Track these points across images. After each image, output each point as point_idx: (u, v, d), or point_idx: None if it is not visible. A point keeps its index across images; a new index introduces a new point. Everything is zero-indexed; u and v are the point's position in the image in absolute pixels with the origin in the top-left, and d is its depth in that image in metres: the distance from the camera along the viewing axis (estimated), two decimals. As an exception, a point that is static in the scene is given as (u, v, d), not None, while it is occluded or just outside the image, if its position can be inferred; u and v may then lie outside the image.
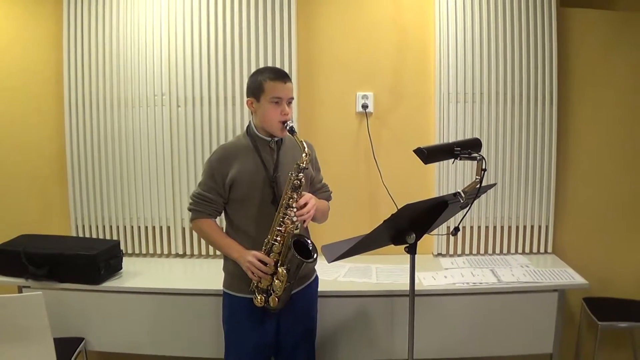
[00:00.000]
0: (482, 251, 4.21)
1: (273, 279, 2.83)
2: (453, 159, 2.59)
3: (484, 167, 2.49)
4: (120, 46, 4.08)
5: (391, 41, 4.10)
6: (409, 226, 2.56)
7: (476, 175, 2.51)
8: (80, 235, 4.25)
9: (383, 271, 3.82)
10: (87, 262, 3.56)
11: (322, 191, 3.20)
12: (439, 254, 4.19)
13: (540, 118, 4.07)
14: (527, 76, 4.05)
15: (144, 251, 4.27)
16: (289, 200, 2.80)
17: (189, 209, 3.03)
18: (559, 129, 4.10)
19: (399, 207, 2.44)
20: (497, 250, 4.21)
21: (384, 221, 2.44)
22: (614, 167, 4.21)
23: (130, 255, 4.25)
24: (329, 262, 2.73)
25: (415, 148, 2.51)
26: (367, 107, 4.09)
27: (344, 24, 4.10)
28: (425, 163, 2.54)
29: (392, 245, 2.68)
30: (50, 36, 4.17)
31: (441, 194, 3.99)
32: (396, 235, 2.59)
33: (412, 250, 2.61)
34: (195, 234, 4.18)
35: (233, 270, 2.97)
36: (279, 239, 2.82)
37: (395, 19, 4.08)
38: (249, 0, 4.00)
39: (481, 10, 4.00)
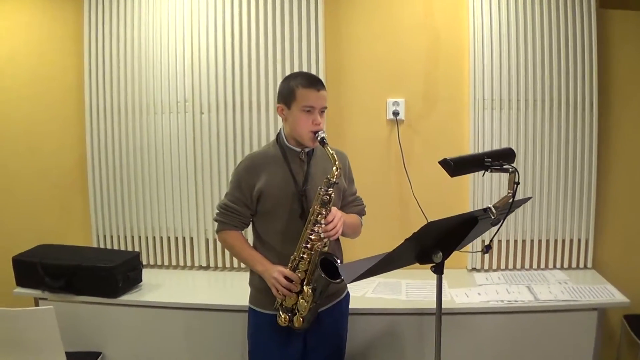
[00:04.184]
0: (518, 266, 4.04)
1: (298, 298, 2.72)
2: (483, 171, 2.41)
3: (516, 180, 2.31)
4: (142, 52, 4.04)
5: (422, 45, 3.97)
6: (435, 244, 2.37)
7: (508, 189, 2.34)
8: (102, 245, 4.21)
9: (413, 287, 3.67)
10: (104, 274, 3.51)
11: (354, 205, 3.04)
12: (473, 269, 4.03)
13: (580, 125, 3.89)
14: (566, 81, 3.87)
15: (166, 263, 4.20)
16: (317, 216, 2.68)
17: (215, 220, 2.94)
18: (599, 136, 3.92)
19: (428, 222, 2.26)
20: (535, 265, 4.03)
21: (406, 239, 2.26)
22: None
23: (152, 267, 4.19)
24: (347, 283, 2.60)
25: (440, 159, 2.35)
26: (398, 114, 3.95)
27: (373, 28, 3.99)
28: (452, 176, 2.37)
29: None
30: (70, 42, 4.15)
31: (475, 207, 3.86)
32: (421, 253, 2.40)
33: (439, 270, 2.42)
34: (219, 246, 4.10)
35: (259, 284, 2.86)
36: (305, 256, 2.70)
37: (426, 21, 3.95)
38: (274, 4, 3.91)
39: (517, 11, 3.85)
